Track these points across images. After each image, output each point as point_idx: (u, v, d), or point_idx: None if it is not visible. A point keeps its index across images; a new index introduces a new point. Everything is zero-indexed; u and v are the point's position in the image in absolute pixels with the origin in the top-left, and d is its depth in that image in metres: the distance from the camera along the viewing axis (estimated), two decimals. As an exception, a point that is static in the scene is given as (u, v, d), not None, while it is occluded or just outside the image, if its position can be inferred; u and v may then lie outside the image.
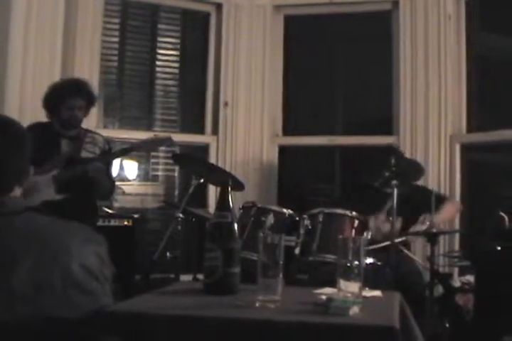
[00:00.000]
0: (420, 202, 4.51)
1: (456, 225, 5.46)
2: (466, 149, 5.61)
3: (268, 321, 1.62)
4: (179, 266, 4.69)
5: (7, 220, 1.58)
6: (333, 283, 1.90)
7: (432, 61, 5.63)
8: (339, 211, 4.09)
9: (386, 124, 5.87)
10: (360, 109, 6.11)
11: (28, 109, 4.82)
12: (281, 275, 1.83)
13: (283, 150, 6.15)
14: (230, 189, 2.09)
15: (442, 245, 5.29)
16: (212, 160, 5.82)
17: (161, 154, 5.90)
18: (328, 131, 6.10)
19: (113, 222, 4.88)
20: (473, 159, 5.64)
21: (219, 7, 6.07)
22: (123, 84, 5.94)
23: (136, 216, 5.01)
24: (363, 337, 1.53)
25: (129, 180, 5.65)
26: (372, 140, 5.86)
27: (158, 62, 6.07)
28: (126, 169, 5.66)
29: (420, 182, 4.93)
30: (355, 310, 1.67)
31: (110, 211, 5.04)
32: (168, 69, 6.10)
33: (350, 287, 1.82)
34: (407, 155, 5.33)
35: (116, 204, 5.26)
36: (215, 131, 5.99)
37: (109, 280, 1.67)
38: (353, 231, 3.99)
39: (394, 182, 4.12)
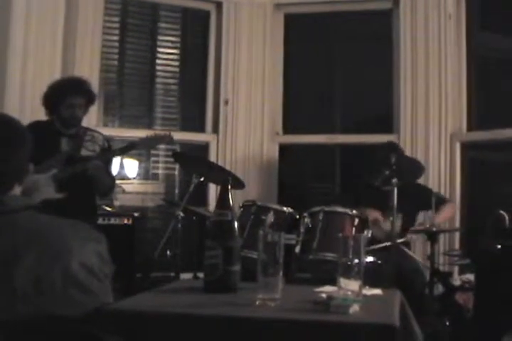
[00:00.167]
0: (420, 200, 4.52)
1: (457, 224, 5.47)
2: (467, 147, 5.61)
3: (268, 319, 1.62)
4: (179, 264, 4.70)
5: (7, 219, 1.58)
6: (333, 282, 1.90)
7: (432, 60, 5.63)
8: (339, 209, 4.09)
9: (386, 123, 5.88)
10: (361, 107, 6.11)
11: (28, 108, 4.83)
12: (281, 274, 1.83)
13: (283, 148, 6.15)
14: (230, 187, 2.09)
15: (442, 243, 5.29)
16: (212, 158, 5.83)
17: (162, 152, 5.90)
18: (328, 129, 6.11)
19: (113, 221, 4.88)
20: (474, 157, 5.64)
21: (219, 5, 6.07)
22: (123, 82, 5.94)
23: (136, 214, 5.01)
24: (363, 335, 1.53)
25: (129, 179, 5.65)
26: (372, 138, 5.86)
27: (158, 61, 6.07)
28: (127, 167, 5.66)
29: (421, 181, 4.94)
30: (355, 308, 1.67)
31: (110, 209, 5.04)
32: (168, 68, 6.10)
33: (350, 285, 1.83)
34: (408, 153, 5.33)
35: (116, 203, 5.26)
36: (215, 129, 5.99)
37: (109, 279, 1.67)
38: (354, 229, 3.99)
39: (394, 180, 4.12)
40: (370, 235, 4.08)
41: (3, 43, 4.90)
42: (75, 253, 1.58)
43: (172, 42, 6.13)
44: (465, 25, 5.70)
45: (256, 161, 5.94)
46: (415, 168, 4.51)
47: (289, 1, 6.22)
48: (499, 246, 3.86)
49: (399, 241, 4.22)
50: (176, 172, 5.97)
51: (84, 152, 4.10)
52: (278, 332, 1.58)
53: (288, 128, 6.20)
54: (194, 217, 4.95)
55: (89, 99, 4.15)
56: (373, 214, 4.53)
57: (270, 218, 4.07)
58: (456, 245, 5.43)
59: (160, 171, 5.96)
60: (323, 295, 1.79)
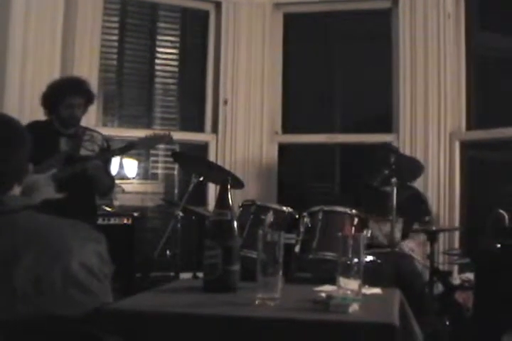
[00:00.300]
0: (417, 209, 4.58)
1: (456, 223, 5.47)
2: (466, 147, 5.61)
3: (268, 319, 1.62)
4: (179, 264, 4.70)
5: (7, 219, 1.58)
6: (333, 281, 1.90)
7: (431, 59, 5.63)
8: (339, 209, 4.09)
9: (386, 122, 5.88)
10: (360, 106, 6.11)
11: (27, 107, 4.82)
12: (280, 273, 1.83)
13: (282, 148, 6.15)
14: (229, 187, 2.09)
15: (442, 243, 5.29)
16: (211, 158, 5.83)
17: (161, 152, 5.90)
18: (327, 129, 6.11)
19: (113, 221, 4.88)
20: (473, 157, 5.64)
21: (218, 5, 6.07)
22: (122, 82, 5.94)
23: (135, 214, 5.01)
24: (362, 335, 1.53)
25: (128, 179, 5.65)
26: (371, 138, 5.86)
27: (157, 61, 6.07)
28: (126, 167, 5.66)
29: (420, 183, 4.97)
30: (354, 307, 1.68)
31: (110, 209, 5.04)
32: (167, 68, 6.10)
33: (349, 284, 1.83)
34: (407, 152, 5.34)
35: (116, 203, 5.25)
36: (214, 129, 5.99)
37: (109, 279, 1.67)
38: (353, 228, 3.99)
39: (393, 179, 4.12)
40: (369, 235, 4.08)
41: (3, 43, 4.90)
42: (75, 253, 1.58)
43: (171, 42, 6.13)
44: (464, 25, 5.70)
45: (255, 161, 5.94)
46: (414, 167, 4.52)
47: (288, 0, 6.22)
48: (499, 245, 3.87)
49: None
50: (176, 172, 5.97)
51: (83, 152, 4.10)
52: (278, 332, 1.58)
53: (287, 127, 6.20)
54: (193, 217, 4.95)
55: (88, 98, 4.15)
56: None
57: (270, 218, 4.07)
58: (456, 244, 5.43)
59: (159, 171, 5.96)
60: (323, 295, 1.79)
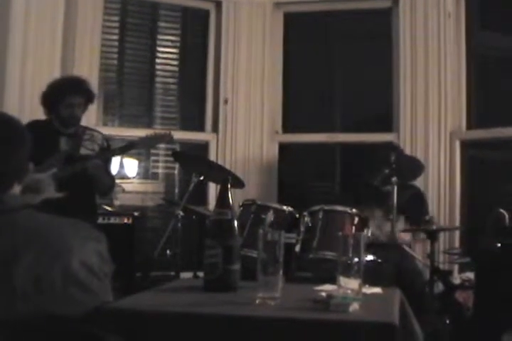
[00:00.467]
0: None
1: (457, 222, 5.47)
2: (466, 146, 5.61)
3: (268, 318, 1.62)
4: (179, 263, 4.70)
5: (7, 218, 1.58)
6: (333, 280, 1.90)
7: (431, 58, 5.63)
8: (339, 208, 4.09)
9: (386, 121, 5.88)
10: (360, 106, 6.11)
11: (27, 107, 4.82)
12: (281, 273, 1.83)
13: (283, 147, 6.15)
14: (229, 186, 2.09)
15: (442, 242, 5.29)
16: (212, 157, 5.83)
17: (161, 152, 5.91)
18: (328, 128, 6.11)
19: (113, 220, 4.88)
20: (473, 156, 5.64)
21: (218, 5, 6.07)
22: (123, 81, 5.94)
23: (136, 214, 5.01)
24: (363, 334, 1.53)
25: (129, 178, 5.65)
26: (372, 137, 5.87)
27: (157, 60, 6.07)
28: (126, 167, 5.66)
29: (421, 182, 4.96)
30: (355, 306, 1.68)
31: (110, 209, 5.04)
32: (167, 67, 6.10)
33: (350, 284, 1.82)
34: (407, 152, 5.34)
35: (116, 202, 5.26)
36: (215, 128, 5.99)
37: (109, 278, 1.67)
38: (353, 228, 3.99)
39: (394, 179, 4.12)
40: (369, 234, 4.08)
41: (3, 43, 4.90)
42: (75, 252, 1.58)
43: (172, 41, 6.13)
44: (464, 24, 5.70)
45: (256, 160, 5.94)
46: (415, 166, 4.52)
47: (289, 0, 6.22)
48: (499, 245, 3.87)
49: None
50: (176, 172, 5.97)
51: (83, 151, 4.10)
52: (278, 331, 1.58)
53: (288, 127, 6.19)
54: (194, 216, 4.95)
55: (89, 98, 4.15)
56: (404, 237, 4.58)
57: (270, 217, 4.06)
58: (456, 243, 5.44)
59: (160, 170, 5.96)
60: (323, 294, 1.79)
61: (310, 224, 4.01)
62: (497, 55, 5.81)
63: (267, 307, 1.74)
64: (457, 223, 5.47)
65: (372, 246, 3.95)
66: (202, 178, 4.72)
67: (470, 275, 4.39)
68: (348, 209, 4.04)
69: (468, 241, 5.37)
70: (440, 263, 4.79)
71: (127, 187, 5.42)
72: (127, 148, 4.17)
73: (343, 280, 1.84)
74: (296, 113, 6.23)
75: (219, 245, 1.97)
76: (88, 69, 5.40)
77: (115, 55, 5.90)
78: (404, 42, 5.72)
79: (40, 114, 4.17)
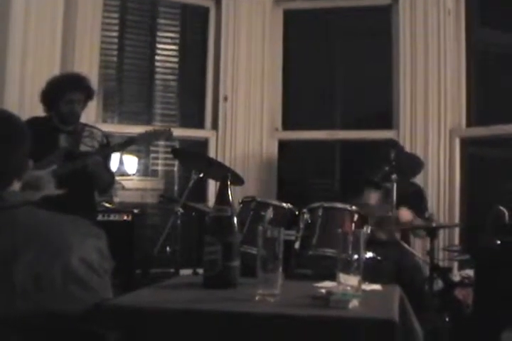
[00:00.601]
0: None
1: (456, 219, 5.47)
2: (466, 143, 5.61)
3: (267, 315, 1.62)
4: (179, 260, 4.69)
5: (6, 214, 1.58)
6: (333, 277, 1.90)
7: (431, 56, 5.63)
8: (339, 205, 4.08)
9: (386, 118, 5.88)
10: (360, 103, 6.11)
11: (27, 104, 4.82)
12: (280, 270, 1.83)
13: (283, 144, 6.15)
14: (229, 183, 2.09)
15: (442, 239, 5.29)
16: (211, 154, 5.82)
17: (161, 149, 5.91)
18: (327, 125, 6.11)
19: (113, 217, 4.88)
20: (473, 153, 5.64)
21: (218, 1, 6.06)
22: (122, 78, 5.94)
23: (135, 211, 5.01)
24: (362, 330, 1.53)
25: (128, 175, 5.65)
26: (372, 134, 5.87)
27: (157, 57, 6.06)
28: (126, 164, 5.66)
29: (420, 179, 4.97)
30: (354, 303, 1.68)
31: (110, 206, 5.04)
32: (167, 64, 6.10)
33: (349, 280, 1.83)
34: (407, 149, 5.34)
35: (116, 199, 5.26)
36: (214, 125, 5.99)
37: (109, 275, 1.67)
38: (353, 225, 3.99)
39: (394, 176, 4.13)
40: (369, 231, 4.08)
41: (3, 40, 4.89)
42: (75, 249, 1.58)
43: (171, 38, 6.12)
44: (464, 21, 5.70)
45: (255, 157, 5.94)
46: (415, 163, 4.52)
47: (288, -3, 6.23)
48: (499, 242, 3.87)
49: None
50: (176, 169, 5.97)
51: (83, 148, 4.10)
52: (277, 328, 1.58)
53: (287, 124, 6.20)
54: (193, 213, 4.95)
55: (88, 95, 4.15)
56: (406, 216, 4.54)
57: (269, 214, 4.06)
58: (456, 241, 5.44)
59: (159, 167, 5.96)
60: (323, 291, 1.79)
61: (310, 221, 4.00)
62: (497, 52, 5.81)
63: (267, 304, 1.74)
64: (457, 220, 5.48)
65: (371, 244, 3.96)
66: (201, 175, 4.71)
67: (469, 272, 4.39)
68: (347, 207, 4.03)
69: (467, 239, 5.38)
70: (440, 261, 4.80)
71: (127, 184, 5.42)
72: (127, 144, 4.17)
73: (342, 277, 1.84)
74: (295, 110, 6.23)
75: (218, 242, 1.97)
76: (88, 66, 5.39)
77: (115, 52, 5.90)
78: (404, 40, 5.72)
79: (40, 111, 4.17)
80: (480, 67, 5.71)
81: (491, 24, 5.83)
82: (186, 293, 1.92)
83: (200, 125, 6.06)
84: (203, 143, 5.99)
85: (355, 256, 1.84)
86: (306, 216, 4.03)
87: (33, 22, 5.02)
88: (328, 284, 2.00)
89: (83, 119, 4.29)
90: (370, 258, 3.89)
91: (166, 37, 6.11)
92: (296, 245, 3.96)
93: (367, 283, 2.00)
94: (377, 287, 2.06)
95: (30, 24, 5.01)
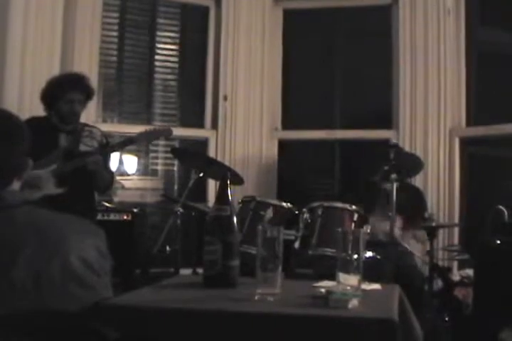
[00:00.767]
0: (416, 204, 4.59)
1: (456, 219, 5.47)
2: (466, 143, 5.61)
3: (267, 314, 1.62)
4: (179, 260, 4.70)
5: (6, 214, 1.58)
6: (332, 277, 1.90)
7: (431, 55, 5.63)
8: (338, 204, 4.09)
9: (385, 118, 5.88)
10: (360, 103, 6.10)
11: (27, 103, 4.82)
12: (280, 269, 1.83)
13: (282, 144, 6.15)
14: (229, 183, 2.09)
15: (441, 239, 5.29)
16: (211, 154, 5.82)
17: (161, 148, 5.90)
18: (327, 125, 6.11)
19: (112, 217, 4.88)
20: (473, 153, 5.64)
21: (218, 1, 6.06)
22: (122, 78, 5.94)
23: (135, 210, 5.01)
24: (362, 330, 1.53)
25: (128, 175, 5.65)
26: (371, 134, 5.87)
27: (157, 57, 6.06)
28: (126, 163, 5.66)
29: (420, 179, 4.97)
30: (354, 302, 1.68)
31: (110, 205, 5.04)
32: (167, 64, 6.10)
33: (349, 280, 1.83)
34: (407, 149, 5.33)
35: (115, 199, 5.26)
36: (214, 125, 5.99)
37: (108, 274, 1.67)
38: (353, 224, 3.99)
39: (393, 176, 4.13)
40: (368, 231, 4.08)
41: (2, 39, 4.89)
42: (74, 248, 1.58)
43: (171, 38, 6.12)
44: (464, 21, 5.69)
45: (255, 157, 5.94)
46: (414, 163, 4.52)
47: (288, -4, 6.23)
48: (498, 241, 3.87)
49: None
50: (175, 168, 5.97)
51: (82, 147, 4.10)
52: (277, 327, 1.58)
53: (287, 123, 6.19)
54: (193, 213, 4.95)
55: (88, 95, 4.15)
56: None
57: (269, 213, 4.06)
58: (456, 240, 5.44)
59: (159, 167, 5.96)
60: (322, 290, 1.79)
61: (309, 221, 4.01)
62: (497, 52, 5.80)
63: (266, 304, 1.74)
64: (456, 220, 5.48)
65: (371, 243, 3.96)
66: (201, 175, 4.71)
67: (469, 272, 4.39)
68: (347, 206, 4.04)
69: (467, 238, 5.38)
70: (439, 260, 4.80)
71: (127, 183, 5.42)
72: (126, 143, 4.17)
73: (342, 276, 1.84)
74: (295, 110, 6.23)
75: (218, 241, 1.97)
76: (88, 65, 5.39)
77: (115, 52, 5.90)
78: (404, 39, 5.72)
79: (39, 111, 4.16)
80: (479, 66, 5.71)
81: (491, 24, 5.83)
82: (186, 293, 1.92)
83: (200, 124, 6.06)
84: (203, 143, 5.99)
85: (355, 256, 1.84)
86: (306, 215, 4.03)
87: (33, 21, 5.02)
88: (327, 284, 2.00)
89: (83, 119, 4.28)
90: (369, 257, 3.89)
91: (166, 36, 6.11)
92: (296, 245, 3.97)
93: (366, 282, 2.00)
94: (376, 286, 2.06)
95: (30, 23, 5.00)
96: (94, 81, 4.90)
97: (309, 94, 6.26)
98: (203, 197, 5.74)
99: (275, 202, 4.24)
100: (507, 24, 5.58)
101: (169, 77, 6.12)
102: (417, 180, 5.17)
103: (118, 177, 4.93)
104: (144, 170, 5.88)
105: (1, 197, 1.60)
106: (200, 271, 2.67)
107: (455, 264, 5.11)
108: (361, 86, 6.06)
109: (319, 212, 4.02)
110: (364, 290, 1.87)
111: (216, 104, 5.98)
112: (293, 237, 4.00)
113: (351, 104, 6.14)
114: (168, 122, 5.93)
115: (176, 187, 5.97)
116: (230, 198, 2.05)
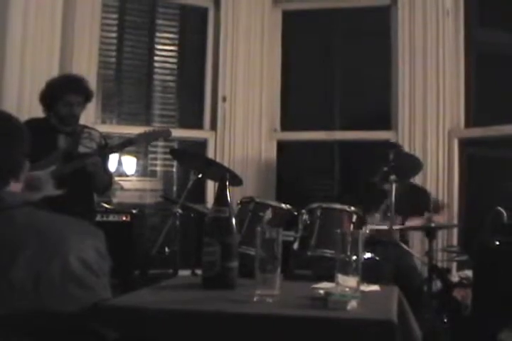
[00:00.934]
0: (419, 202, 4.55)
1: (455, 220, 5.47)
2: (464, 144, 5.62)
3: (266, 315, 1.62)
4: (177, 261, 4.69)
5: (6, 215, 1.58)
6: (332, 278, 1.90)
7: (430, 56, 5.63)
8: (337, 206, 4.08)
9: (384, 119, 5.88)
10: (359, 104, 6.11)
11: (26, 105, 4.82)
12: (279, 270, 1.83)
13: (281, 145, 6.15)
14: (228, 184, 2.09)
15: (440, 240, 5.29)
16: (210, 155, 5.82)
17: (160, 149, 5.90)
18: (326, 126, 6.11)
19: (112, 218, 4.88)
20: (472, 154, 5.64)
21: (217, 2, 6.06)
22: (121, 79, 5.94)
23: (134, 211, 5.01)
24: (361, 331, 1.53)
25: (127, 176, 5.65)
26: (370, 135, 5.87)
27: (156, 58, 6.06)
28: (125, 164, 5.66)
29: (419, 178, 4.96)
30: (353, 304, 1.68)
31: (109, 206, 5.04)
32: (166, 65, 6.10)
33: (348, 281, 1.83)
34: (406, 150, 5.33)
35: (114, 200, 5.26)
36: (213, 126, 5.99)
37: (107, 275, 1.67)
38: (352, 225, 3.99)
39: (392, 177, 4.12)
40: (367, 231, 4.08)
41: (2, 40, 4.89)
42: (74, 249, 1.58)
43: (170, 39, 6.13)
44: (463, 21, 5.70)
45: (254, 158, 5.94)
46: (413, 164, 4.51)
47: (287, -3, 6.23)
48: (497, 242, 3.87)
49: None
50: (174, 169, 5.97)
51: (81, 149, 4.09)
52: (276, 328, 1.58)
53: (286, 124, 6.20)
54: (192, 214, 4.95)
55: (87, 97, 4.15)
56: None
57: (268, 215, 4.06)
58: (455, 241, 5.44)
59: (158, 168, 5.96)
60: (321, 291, 1.79)
61: (308, 222, 4.00)
62: (495, 52, 5.81)
63: (265, 305, 1.74)
64: (455, 221, 5.48)
65: (370, 244, 3.96)
66: (200, 176, 4.70)
67: (468, 273, 4.39)
68: (346, 207, 4.03)
69: (466, 239, 5.38)
70: (438, 261, 4.80)
71: (125, 184, 5.43)
72: (125, 144, 4.17)
73: (341, 277, 1.84)
74: (294, 111, 6.23)
75: (217, 242, 1.97)
76: (87, 66, 5.40)
77: (114, 53, 5.90)
78: (403, 40, 5.72)
79: (38, 112, 4.16)
80: (478, 67, 5.71)
81: (490, 24, 5.83)
82: (185, 294, 1.92)
83: (199, 126, 6.06)
84: (202, 144, 5.99)
85: (354, 257, 1.84)
86: (305, 216, 4.03)
87: (32, 22, 5.02)
88: (326, 285, 2.00)
89: (82, 120, 4.28)
90: (368, 258, 3.89)
91: (165, 37, 6.11)
92: (295, 246, 3.96)
93: (365, 283, 2.00)
94: (375, 288, 2.06)
95: (30, 24, 5.00)
96: (93, 82, 4.91)
97: (308, 95, 6.26)
98: (201, 198, 5.74)
99: (274, 203, 4.24)
100: (506, 25, 5.58)
101: (168, 78, 6.12)
102: (416, 181, 5.17)
103: (117, 179, 4.93)
104: (143, 171, 5.88)
105: (1, 198, 1.60)
106: (199, 272, 2.68)
107: (454, 265, 5.11)
108: (360, 87, 6.07)
109: (318, 213, 4.01)
110: (363, 292, 1.87)
111: (215, 105, 5.98)
112: (292, 238, 3.99)
113: (350, 105, 6.14)
114: (167, 123, 5.93)
115: (174, 188, 5.96)
116: (228, 199, 2.05)
